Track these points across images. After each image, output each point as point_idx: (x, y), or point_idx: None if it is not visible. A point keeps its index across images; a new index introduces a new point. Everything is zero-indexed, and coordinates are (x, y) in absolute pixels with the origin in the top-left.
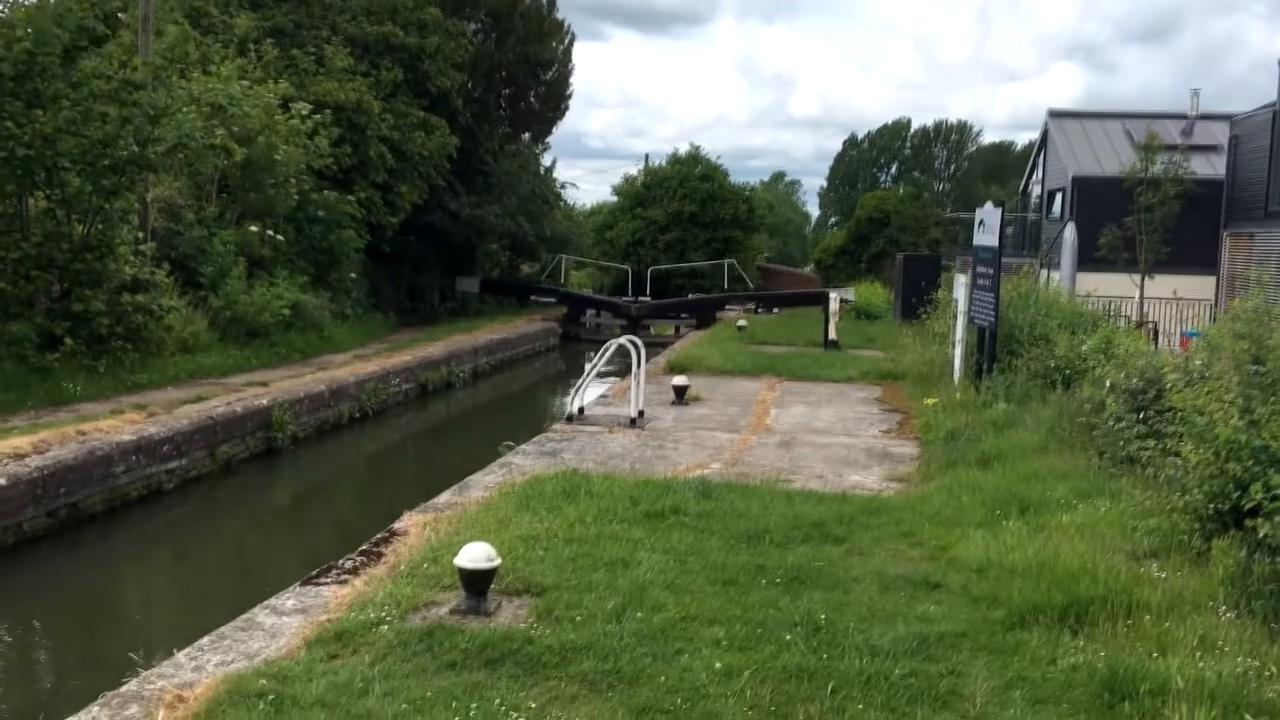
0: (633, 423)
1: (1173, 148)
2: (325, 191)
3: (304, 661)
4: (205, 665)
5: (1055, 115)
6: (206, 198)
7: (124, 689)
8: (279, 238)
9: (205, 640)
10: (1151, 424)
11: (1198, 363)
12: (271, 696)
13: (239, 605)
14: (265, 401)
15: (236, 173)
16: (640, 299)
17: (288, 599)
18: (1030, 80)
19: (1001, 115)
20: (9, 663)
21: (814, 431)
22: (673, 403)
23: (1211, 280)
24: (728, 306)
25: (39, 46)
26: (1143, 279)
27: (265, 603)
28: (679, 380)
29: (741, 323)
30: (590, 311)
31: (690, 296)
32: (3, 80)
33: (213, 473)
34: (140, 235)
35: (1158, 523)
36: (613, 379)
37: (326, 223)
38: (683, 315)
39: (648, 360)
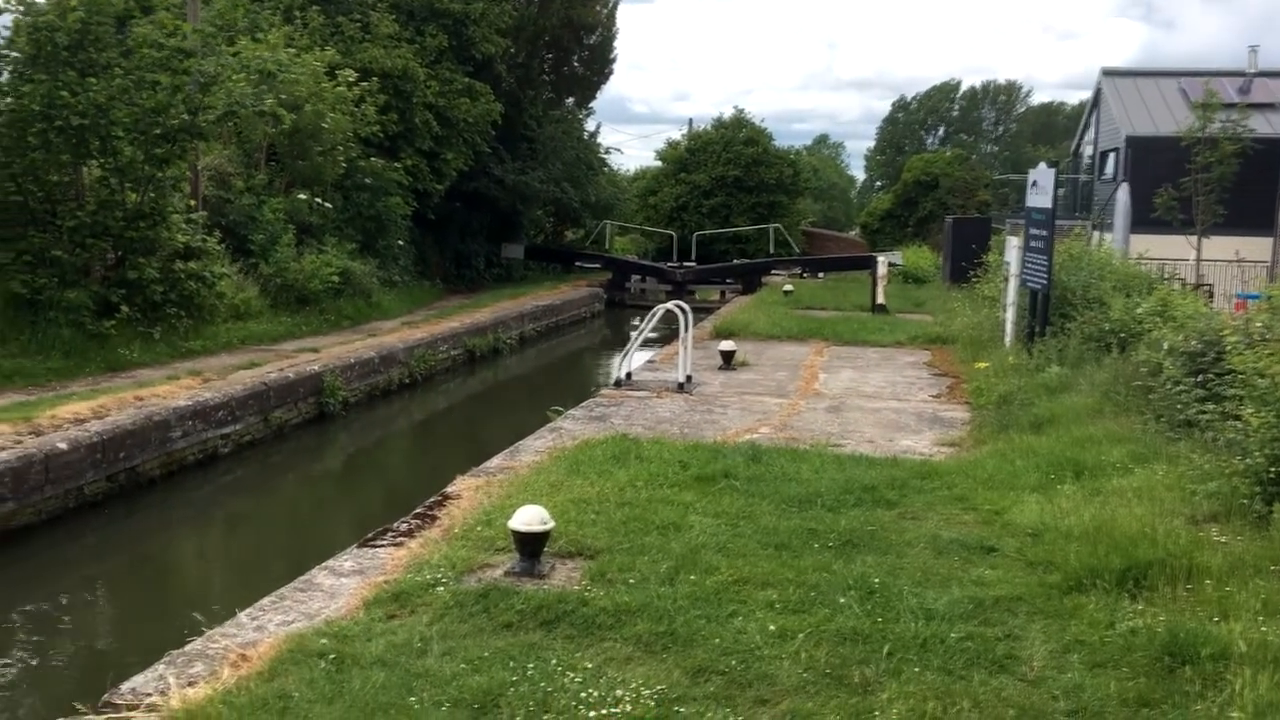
0: (680, 387)
1: (1230, 106)
2: (372, 159)
3: (363, 621)
4: (267, 625)
5: (1108, 74)
6: (255, 166)
7: (188, 648)
8: (327, 205)
9: (266, 600)
10: (1211, 387)
11: (1258, 324)
12: (332, 655)
13: (296, 567)
14: (317, 367)
15: (284, 141)
16: (685, 264)
17: (345, 560)
18: (1084, 38)
19: (1054, 74)
20: (75, 623)
21: (863, 396)
22: (720, 368)
23: (1269, 241)
24: (773, 271)
25: (92, 15)
26: (1200, 240)
27: (323, 564)
28: (726, 345)
29: (787, 287)
30: (635, 277)
31: (735, 261)
32: (58, 50)
33: (266, 437)
34: (192, 203)
35: (1217, 486)
36: (659, 345)
37: (374, 190)
38: (728, 280)
39: (694, 325)
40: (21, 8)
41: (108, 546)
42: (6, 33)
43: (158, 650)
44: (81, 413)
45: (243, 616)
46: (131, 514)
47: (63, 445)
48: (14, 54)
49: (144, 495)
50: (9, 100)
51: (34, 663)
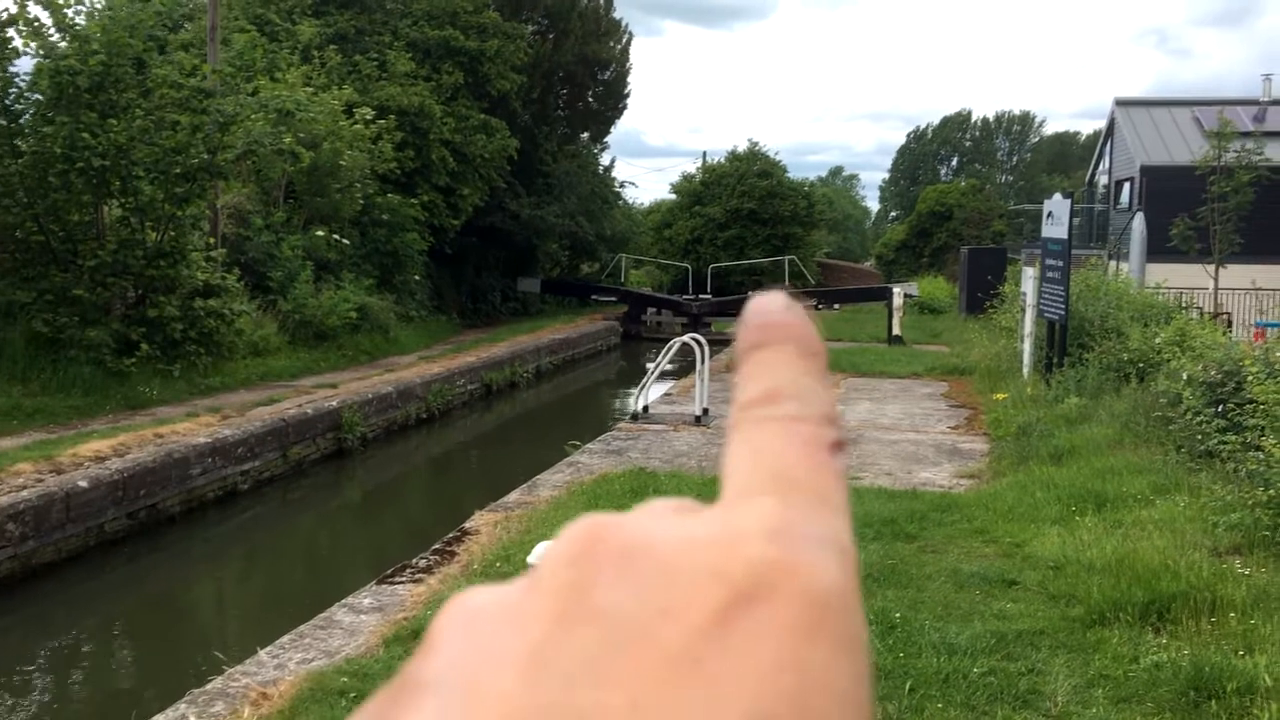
0: (697, 420)
1: (1245, 134)
2: (389, 195)
3: (383, 659)
4: (287, 663)
5: (1122, 104)
6: (274, 203)
7: (209, 686)
8: (344, 241)
9: (286, 638)
10: (1231, 417)
11: (1279, 354)
12: (353, 694)
13: (316, 604)
14: (335, 403)
15: (303, 178)
16: (700, 297)
17: (364, 597)
18: (1098, 67)
19: (1068, 104)
20: (96, 661)
21: (881, 428)
22: None
23: None
24: None
25: (113, 58)
26: (1216, 269)
27: (343, 601)
28: None
29: None
30: (651, 310)
31: (750, 294)
32: (79, 93)
33: (285, 474)
34: (211, 241)
35: (1240, 518)
36: (675, 377)
37: (390, 226)
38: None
39: (710, 358)
40: (43, 51)
41: (128, 584)
42: (29, 76)
43: (179, 689)
44: (102, 450)
45: (263, 655)
46: (152, 551)
47: (84, 483)
48: (36, 96)
49: (165, 532)
50: (31, 142)
51: (56, 702)
